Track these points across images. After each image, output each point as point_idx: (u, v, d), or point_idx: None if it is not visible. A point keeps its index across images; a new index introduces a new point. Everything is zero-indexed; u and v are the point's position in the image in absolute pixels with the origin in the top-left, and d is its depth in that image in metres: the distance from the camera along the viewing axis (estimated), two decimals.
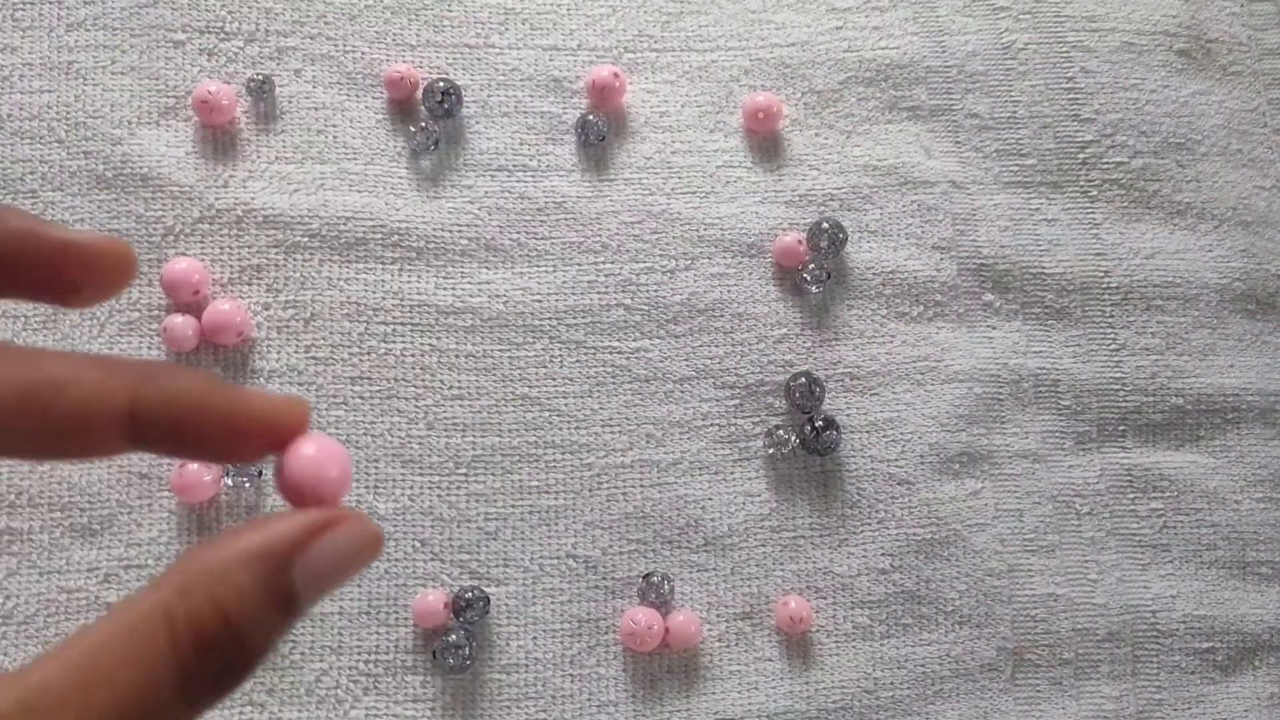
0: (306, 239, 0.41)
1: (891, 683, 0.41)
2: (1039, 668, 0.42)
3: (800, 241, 0.43)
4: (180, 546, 0.39)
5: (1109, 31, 0.48)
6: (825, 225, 0.43)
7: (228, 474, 0.39)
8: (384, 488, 0.40)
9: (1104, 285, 0.45)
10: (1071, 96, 0.47)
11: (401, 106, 0.43)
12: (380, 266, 0.42)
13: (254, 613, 0.19)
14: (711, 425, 0.42)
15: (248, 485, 0.39)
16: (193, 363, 0.40)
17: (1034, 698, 0.42)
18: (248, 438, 0.20)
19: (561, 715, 0.39)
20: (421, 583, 0.40)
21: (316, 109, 0.43)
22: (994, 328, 0.45)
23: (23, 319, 0.40)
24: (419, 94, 0.43)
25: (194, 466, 0.38)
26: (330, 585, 0.20)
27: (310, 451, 0.20)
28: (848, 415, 0.43)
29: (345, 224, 0.42)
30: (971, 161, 0.46)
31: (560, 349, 0.42)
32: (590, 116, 0.43)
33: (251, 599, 0.18)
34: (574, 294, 0.42)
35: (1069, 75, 0.47)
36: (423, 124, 0.42)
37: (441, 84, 0.42)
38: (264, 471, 0.39)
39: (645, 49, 0.45)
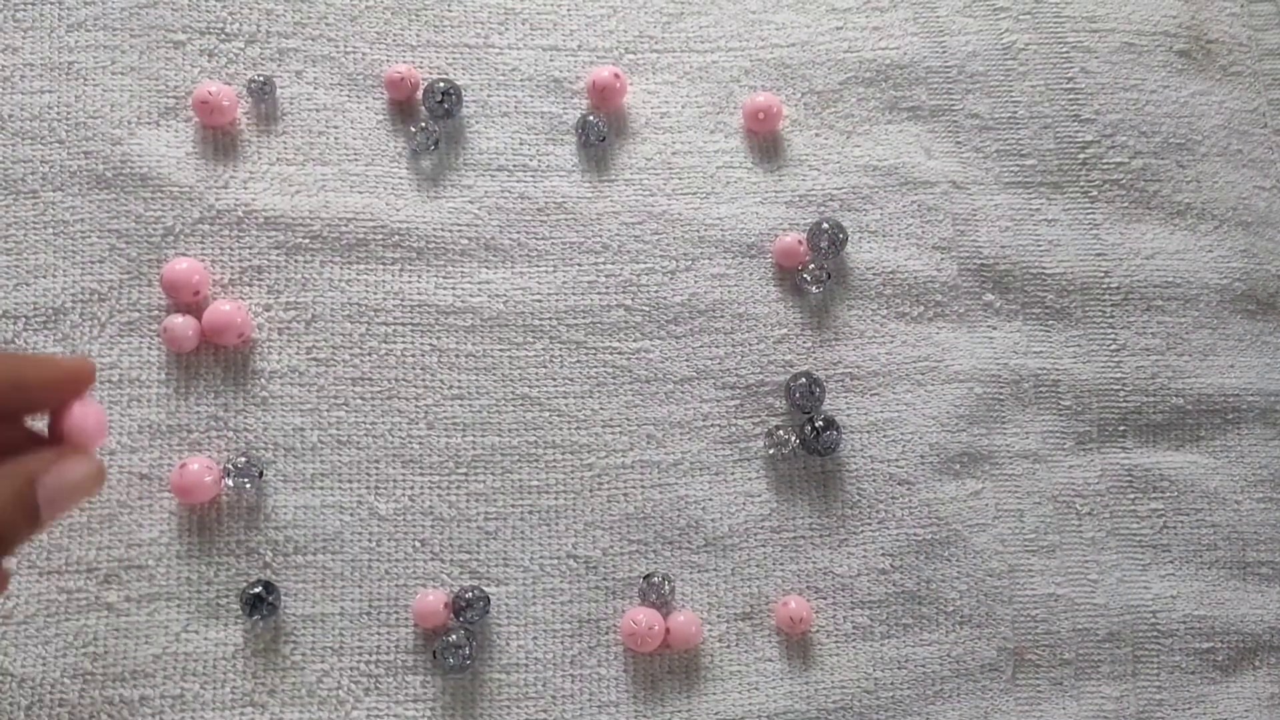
0: (307, 240, 0.41)
1: (892, 683, 0.41)
2: (1039, 668, 0.42)
3: (800, 242, 0.43)
4: (180, 547, 0.39)
5: (1109, 32, 0.48)
6: (825, 225, 0.43)
7: (228, 475, 0.39)
8: (384, 488, 0.40)
9: (1104, 285, 0.45)
10: (1072, 97, 0.47)
11: (402, 107, 0.43)
12: (381, 267, 0.42)
13: (4, 515, 0.26)
14: (712, 426, 0.42)
15: (248, 486, 0.39)
16: (193, 364, 0.40)
17: (1034, 698, 0.42)
18: (36, 398, 0.28)
19: (562, 715, 0.39)
20: (422, 582, 0.40)
21: (317, 110, 0.43)
22: (994, 328, 0.45)
23: (24, 319, 0.40)
24: (419, 94, 0.43)
25: (194, 468, 0.38)
26: (64, 504, 0.27)
27: (78, 409, 0.28)
28: (848, 415, 0.43)
29: (346, 225, 0.42)
30: (972, 162, 0.46)
31: (561, 349, 0.42)
32: (590, 117, 0.43)
33: (4, 504, 0.26)
34: (574, 294, 0.42)
35: (1069, 76, 0.47)
36: (423, 124, 0.42)
37: (442, 84, 0.42)
38: (264, 473, 0.39)
39: (646, 50, 0.45)
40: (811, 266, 0.43)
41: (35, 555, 0.38)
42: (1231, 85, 0.48)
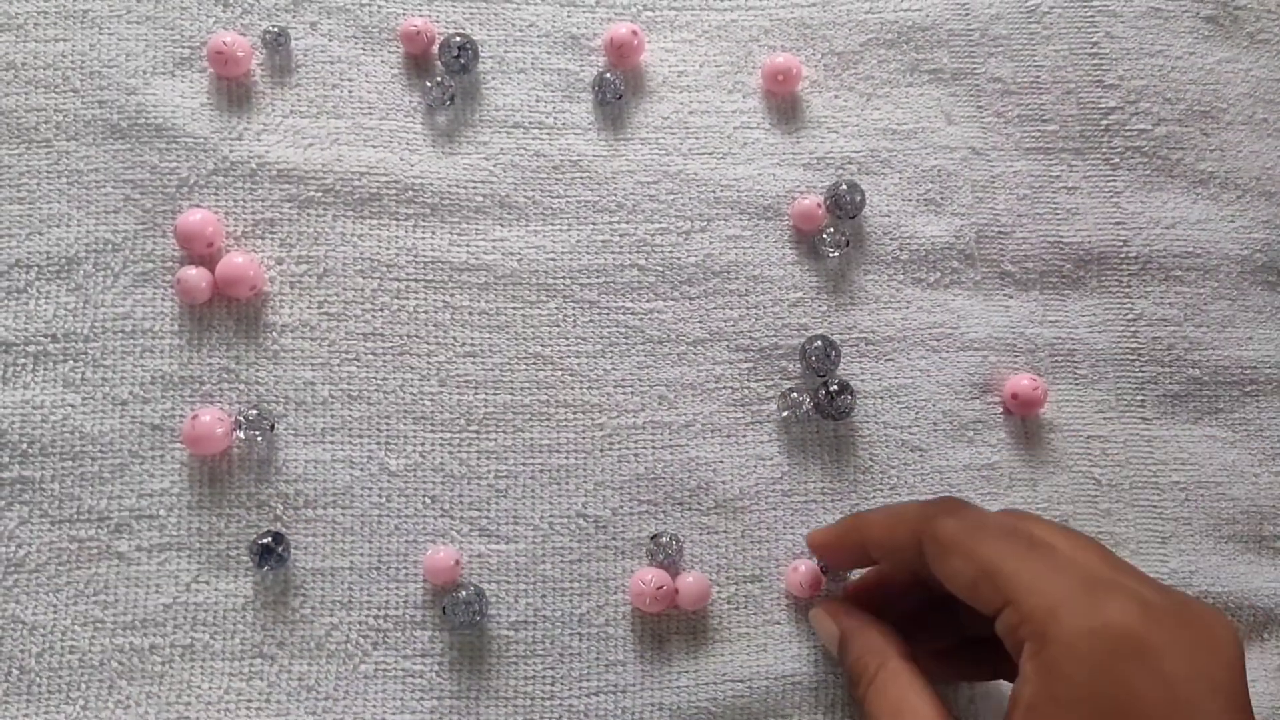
0: (320, 194, 0.41)
1: None
2: None
3: (819, 205, 0.43)
4: (191, 498, 0.39)
5: None
6: (844, 186, 0.43)
7: (239, 427, 0.39)
8: (395, 444, 0.40)
9: (1123, 255, 0.45)
10: (1096, 62, 0.46)
11: (417, 61, 0.43)
12: (394, 223, 0.41)
13: None
14: (724, 388, 0.42)
15: (259, 438, 0.39)
16: (206, 316, 0.40)
17: None
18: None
19: (569, 673, 0.39)
20: (431, 539, 0.40)
21: (332, 63, 0.42)
22: (1010, 296, 0.44)
23: (37, 269, 0.40)
24: (435, 49, 0.42)
25: (205, 419, 0.38)
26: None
27: None
28: (862, 380, 0.42)
29: (360, 179, 0.41)
30: (993, 127, 0.45)
31: (574, 308, 0.42)
32: (608, 75, 0.43)
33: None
34: (588, 253, 0.42)
35: (1094, 40, 0.46)
36: (438, 79, 0.42)
37: (458, 39, 0.42)
38: (275, 425, 0.39)
39: (664, 7, 0.45)
40: (830, 230, 0.43)
41: (47, 504, 0.38)
42: (1259, 53, 0.48)
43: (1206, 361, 0.45)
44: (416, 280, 0.41)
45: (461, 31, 0.43)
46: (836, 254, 0.43)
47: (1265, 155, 0.47)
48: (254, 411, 0.39)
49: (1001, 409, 0.43)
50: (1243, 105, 0.47)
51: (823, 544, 0.39)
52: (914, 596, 0.38)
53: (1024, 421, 0.43)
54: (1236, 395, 0.45)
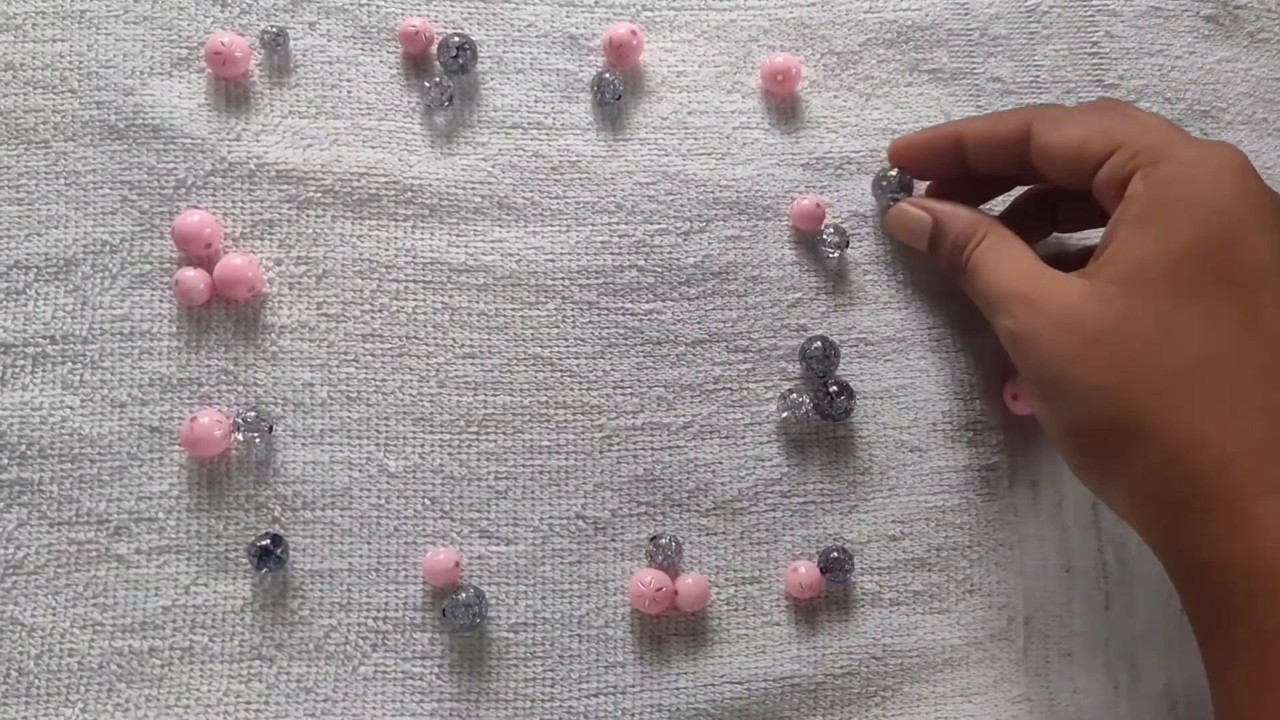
0: (319, 195, 0.41)
1: (900, 649, 0.41)
2: (1049, 638, 0.42)
3: (818, 204, 0.43)
4: (190, 500, 0.39)
5: None
6: (830, 232, 0.43)
7: (238, 429, 0.39)
8: (394, 445, 0.40)
9: None
10: (1096, 61, 0.46)
11: (416, 62, 0.43)
12: (393, 223, 0.41)
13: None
14: (723, 389, 0.42)
15: (257, 440, 0.39)
16: (204, 317, 0.40)
17: (1044, 668, 0.42)
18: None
19: (569, 674, 0.39)
20: (431, 540, 0.39)
21: (331, 63, 0.42)
22: None
23: (35, 270, 0.40)
24: (434, 49, 0.42)
25: (204, 421, 0.38)
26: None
27: None
28: (861, 381, 0.42)
29: (358, 180, 0.41)
30: None
31: (573, 309, 0.42)
32: (606, 75, 0.43)
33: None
34: (587, 254, 0.42)
35: (1094, 39, 0.46)
36: (437, 79, 0.42)
37: (456, 39, 0.42)
38: (274, 427, 0.39)
39: (663, 7, 0.44)
40: (830, 230, 0.43)
41: (46, 507, 0.38)
42: (1259, 52, 0.48)
43: None
44: (415, 281, 0.41)
45: (460, 31, 0.43)
46: (836, 255, 0.43)
47: (1265, 155, 0.46)
48: (252, 413, 0.39)
49: (1003, 408, 0.43)
50: (1243, 105, 0.47)
51: (911, 147, 0.42)
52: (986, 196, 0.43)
53: (1024, 422, 0.43)
54: None
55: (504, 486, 0.40)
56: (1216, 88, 0.47)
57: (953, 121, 0.42)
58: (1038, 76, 0.46)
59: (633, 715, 0.39)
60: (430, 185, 0.42)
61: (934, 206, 0.41)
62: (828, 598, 0.41)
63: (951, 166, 0.41)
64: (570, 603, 0.40)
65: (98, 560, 0.38)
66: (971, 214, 0.40)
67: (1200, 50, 0.47)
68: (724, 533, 0.41)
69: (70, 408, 0.39)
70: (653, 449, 0.41)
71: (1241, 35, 0.48)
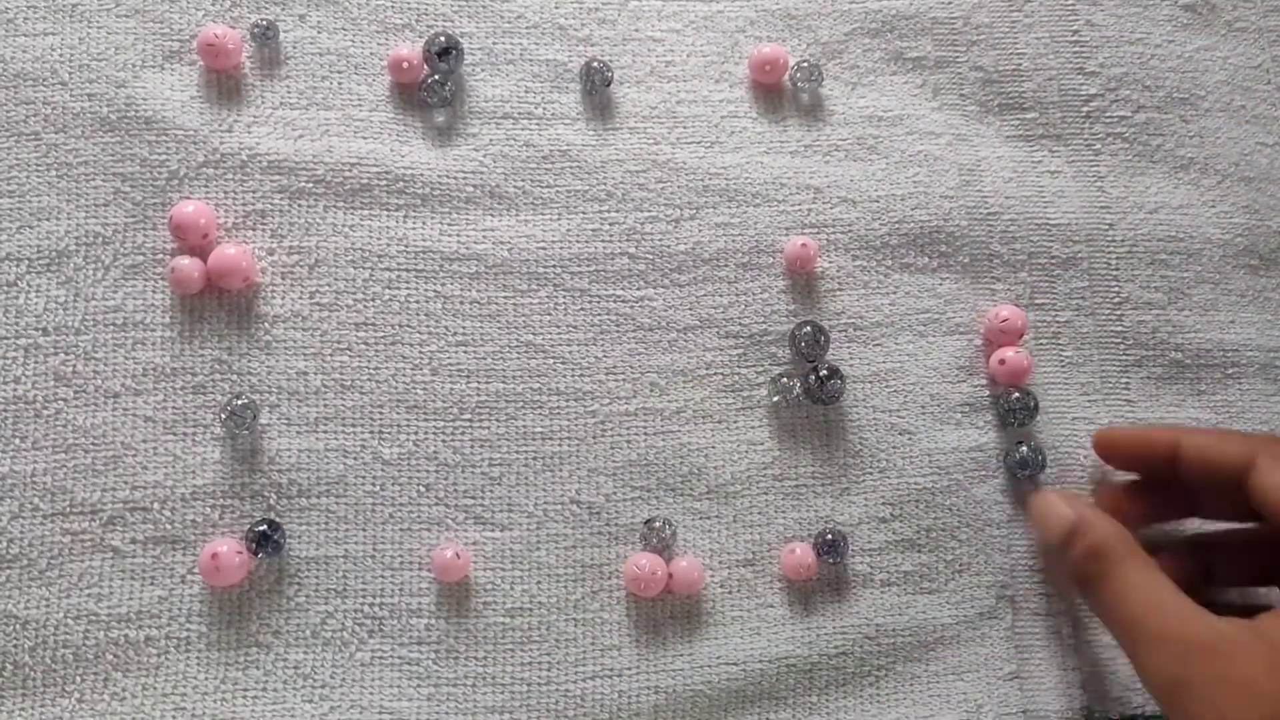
0: (311, 185, 0.41)
1: (893, 629, 0.41)
2: (1038, 616, 0.42)
3: (805, 245, 0.42)
4: (185, 490, 0.39)
5: None
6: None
7: (221, 418, 0.39)
8: (388, 433, 0.40)
9: (1109, 238, 0.46)
10: (1077, 49, 0.47)
11: (405, 89, 0.43)
12: (385, 213, 0.42)
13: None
14: (715, 374, 0.42)
15: (245, 432, 0.39)
16: (197, 308, 0.40)
17: (1032, 645, 0.42)
18: None
19: (565, 658, 0.39)
20: (426, 526, 0.40)
21: (321, 54, 0.42)
22: (998, 279, 0.45)
23: (27, 262, 0.40)
24: (423, 72, 0.42)
25: (223, 550, 0.38)
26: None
27: None
28: (850, 365, 0.43)
29: (350, 170, 0.41)
30: (974, 115, 0.46)
31: (564, 297, 0.42)
32: (595, 64, 0.43)
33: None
34: (578, 242, 0.42)
35: (1074, 28, 0.47)
36: (431, 82, 0.42)
37: (443, 39, 0.42)
38: (258, 415, 0.39)
39: None
40: (797, 70, 0.44)
41: (39, 499, 0.38)
42: (1236, 40, 0.48)
43: (1189, 345, 0.45)
44: (408, 270, 0.41)
45: (445, 31, 0.43)
46: (808, 89, 0.44)
47: (1243, 141, 0.47)
48: (239, 401, 0.39)
49: (988, 383, 0.44)
50: (1221, 92, 0.48)
51: (1117, 444, 0.41)
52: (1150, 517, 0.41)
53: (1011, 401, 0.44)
54: (1219, 378, 0.45)
55: (498, 473, 0.40)
56: (1195, 75, 0.48)
57: (1171, 427, 0.41)
58: (1020, 65, 0.46)
59: (629, 697, 0.39)
60: (422, 175, 0.42)
61: (1077, 506, 0.38)
62: (821, 579, 0.41)
63: (1159, 472, 0.40)
64: (566, 587, 0.40)
65: (92, 551, 0.38)
66: (1113, 529, 0.37)
67: (1179, 39, 0.48)
68: (717, 516, 0.41)
69: (63, 399, 0.39)
70: (646, 434, 0.41)
71: (1219, 24, 0.48)
